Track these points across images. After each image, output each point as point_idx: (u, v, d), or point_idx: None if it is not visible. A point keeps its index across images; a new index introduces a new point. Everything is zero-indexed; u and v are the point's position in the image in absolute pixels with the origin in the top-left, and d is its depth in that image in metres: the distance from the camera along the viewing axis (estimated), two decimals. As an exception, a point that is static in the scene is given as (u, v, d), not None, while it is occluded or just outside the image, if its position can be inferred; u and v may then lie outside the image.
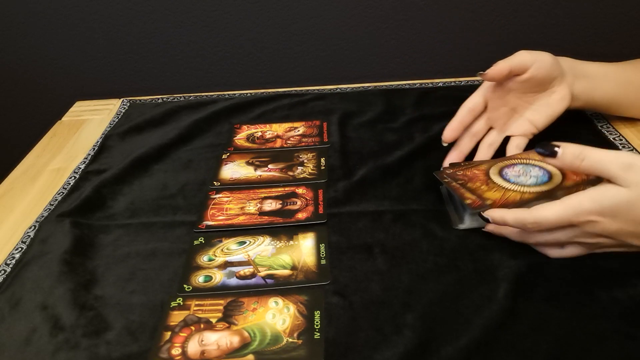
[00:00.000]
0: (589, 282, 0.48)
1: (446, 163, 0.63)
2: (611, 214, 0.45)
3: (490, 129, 0.65)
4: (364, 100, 0.83)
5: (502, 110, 0.64)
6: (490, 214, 0.51)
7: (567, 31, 0.88)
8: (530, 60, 0.60)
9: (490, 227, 0.53)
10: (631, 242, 0.48)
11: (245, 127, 0.78)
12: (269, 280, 0.51)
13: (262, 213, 0.60)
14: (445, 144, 0.63)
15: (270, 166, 0.68)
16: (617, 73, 0.65)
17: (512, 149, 0.63)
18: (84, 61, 0.93)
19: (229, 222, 0.59)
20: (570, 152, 0.48)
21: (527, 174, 0.56)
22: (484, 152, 0.63)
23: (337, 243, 0.55)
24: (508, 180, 0.55)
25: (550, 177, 0.55)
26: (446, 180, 0.58)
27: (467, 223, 0.55)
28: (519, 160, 0.59)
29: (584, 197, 0.46)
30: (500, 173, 0.57)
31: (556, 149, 0.48)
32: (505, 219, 0.50)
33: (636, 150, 0.65)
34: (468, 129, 0.63)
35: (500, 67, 0.59)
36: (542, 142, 0.50)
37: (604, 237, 0.48)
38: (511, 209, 0.50)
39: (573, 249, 0.50)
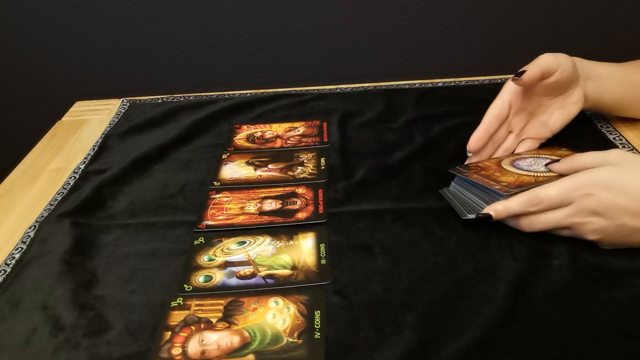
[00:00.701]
0: (589, 282, 0.48)
1: (473, 141, 0.61)
2: (606, 185, 0.48)
3: (509, 133, 0.64)
4: (364, 100, 0.83)
5: (522, 115, 0.63)
6: (494, 207, 0.52)
7: (567, 31, 0.88)
8: (556, 64, 0.59)
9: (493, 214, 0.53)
10: (624, 220, 0.48)
11: (245, 127, 0.78)
12: (269, 280, 0.51)
13: (262, 213, 0.60)
14: (470, 154, 0.62)
15: (270, 166, 0.68)
16: (621, 74, 0.65)
17: (522, 150, 0.63)
18: (84, 61, 0.93)
19: (229, 222, 0.59)
20: (566, 159, 0.53)
21: (538, 164, 0.57)
22: (499, 155, 0.63)
23: (337, 243, 0.55)
24: (521, 169, 0.56)
25: None
26: (465, 173, 0.58)
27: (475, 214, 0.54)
28: (529, 155, 0.60)
29: (581, 173, 0.50)
30: (512, 164, 0.58)
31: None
32: (509, 208, 0.51)
33: (636, 150, 0.65)
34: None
35: (533, 71, 0.59)
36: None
37: (598, 215, 0.48)
38: (510, 198, 0.52)
39: (567, 232, 0.52)
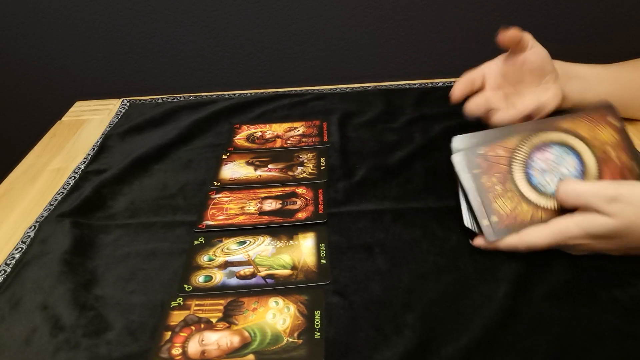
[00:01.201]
0: (589, 282, 0.48)
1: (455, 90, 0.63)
2: (598, 237, 0.47)
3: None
4: (364, 100, 0.83)
5: (498, 94, 0.64)
6: (478, 242, 0.52)
7: (567, 31, 0.88)
8: (532, 43, 0.61)
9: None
10: (616, 253, 0.50)
11: (245, 127, 0.78)
12: (269, 280, 0.51)
13: (262, 213, 0.60)
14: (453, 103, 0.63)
15: (270, 166, 0.68)
16: (609, 74, 0.66)
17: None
18: (84, 61, 0.93)
19: (229, 222, 0.59)
20: (561, 190, 0.49)
21: (555, 171, 0.52)
22: (517, 116, 0.62)
23: (337, 243, 0.55)
24: (529, 182, 0.52)
25: (583, 174, 0.52)
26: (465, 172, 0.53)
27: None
28: (556, 138, 0.54)
29: (571, 223, 0.48)
30: (527, 162, 0.53)
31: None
32: (497, 246, 0.51)
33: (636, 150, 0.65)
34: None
35: (515, 31, 0.60)
36: None
37: (592, 252, 0.50)
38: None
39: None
